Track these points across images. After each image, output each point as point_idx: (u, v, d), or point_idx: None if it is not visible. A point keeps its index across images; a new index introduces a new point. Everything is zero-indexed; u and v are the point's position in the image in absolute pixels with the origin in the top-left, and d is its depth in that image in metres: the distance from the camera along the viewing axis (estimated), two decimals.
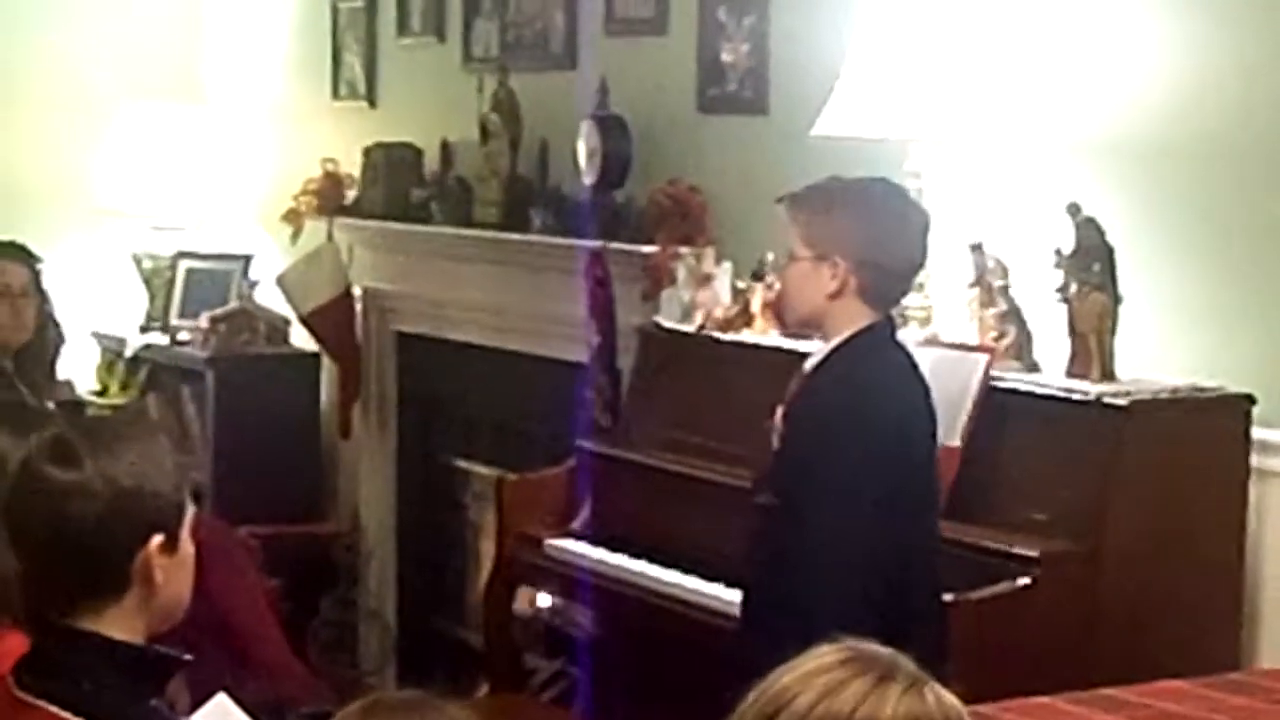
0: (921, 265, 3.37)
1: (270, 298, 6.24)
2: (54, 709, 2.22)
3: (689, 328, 4.38)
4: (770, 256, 4.24)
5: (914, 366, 3.28)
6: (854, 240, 3.23)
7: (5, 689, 2.27)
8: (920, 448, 3.22)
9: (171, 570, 2.31)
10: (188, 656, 2.34)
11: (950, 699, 1.66)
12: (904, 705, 1.63)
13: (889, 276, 3.24)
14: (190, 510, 2.35)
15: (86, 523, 2.23)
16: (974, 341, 3.76)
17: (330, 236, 5.93)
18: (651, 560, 4.03)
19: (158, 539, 2.27)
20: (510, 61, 5.36)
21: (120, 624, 2.28)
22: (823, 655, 1.66)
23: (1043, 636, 3.31)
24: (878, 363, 3.25)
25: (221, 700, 2.64)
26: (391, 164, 5.73)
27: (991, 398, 3.60)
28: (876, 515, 3.11)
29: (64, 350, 5.16)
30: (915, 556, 3.19)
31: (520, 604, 4.50)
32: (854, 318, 3.23)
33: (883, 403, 3.20)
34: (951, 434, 3.59)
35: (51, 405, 4.94)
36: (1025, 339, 3.72)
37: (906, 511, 3.17)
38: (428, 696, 2.16)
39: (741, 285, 4.31)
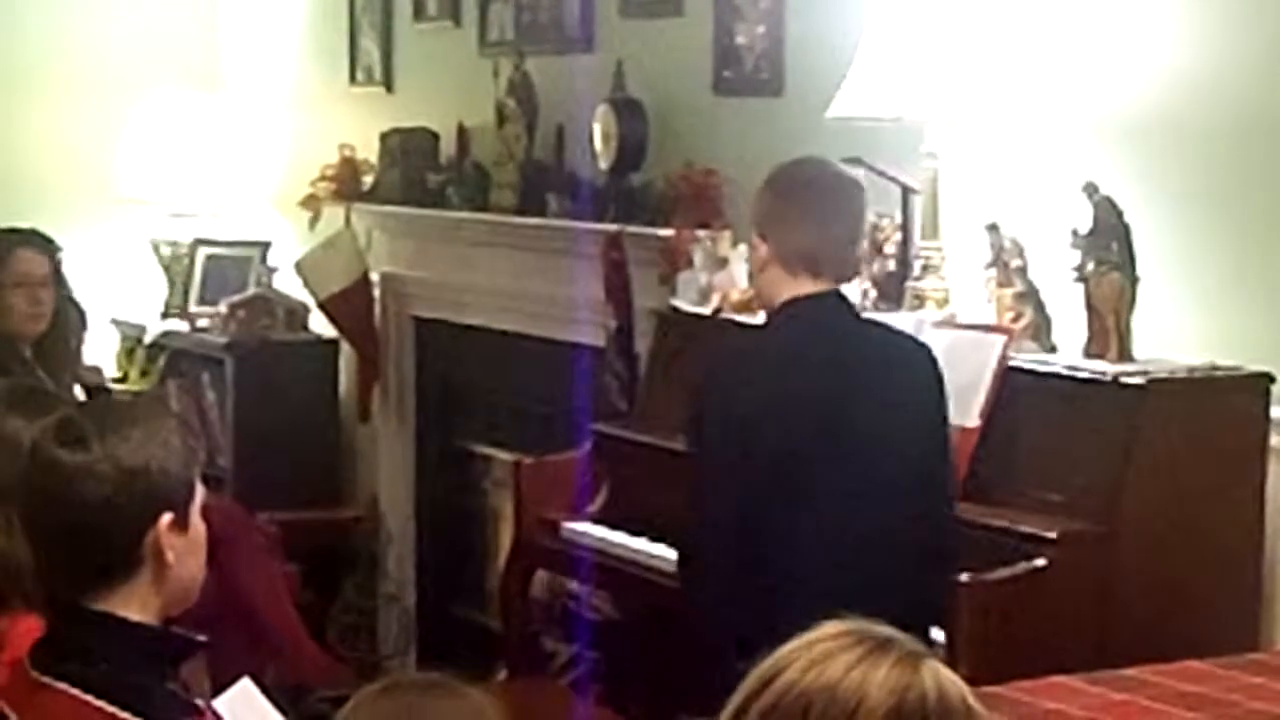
0: (843, 237, 3.38)
1: (289, 284, 6.25)
2: (71, 690, 2.23)
3: (706, 310, 4.37)
4: None
5: (845, 338, 3.34)
6: (761, 213, 3.39)
7: (22, 671, 2.28)
8: (796, 414, 3.26)
9: (183, 549, 2.31)
10: (203, 639, 2.35)
11: (948, 675, 1.63)
12: (894, 676, 1.60)
13: (801, 245, 3.31)
14: (200, 490, 2.36)
15: (95, 503, 2.24)
16: (991, 322, 3.75)
17: (348, 222, 5.94)
18: (669, 543, 4.03)
19: (167, 517, 2.28)
20: (526, 45, 5.36)
21: (134, 605, 2.28)
22: (825, 628, 1.66)
23: (1059, 617, 3.30)
24: (784, 330, 3.35)
25: (246, 685, 2.65)
26: (408, 149, 5.73)
27: (1009, 378, 3.59)
28: (733, 480, 3.27)
29: (85, 335, 5.16)
30: (796, 523, 3.23)
31: (538, 588, 4.51)
32: (779, 289, 3.34)
33: (743, 369, 3.38)
34: (969, 415, 3.59)
35: (79, 389, 4.96)
36: (1042, 319, 3.71)
37: (771, 484, 3.23)
38: (445, 679, 2.17)
39: None
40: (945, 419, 3.34)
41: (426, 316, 5.92)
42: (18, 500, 2.35)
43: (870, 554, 3.21)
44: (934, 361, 3.36)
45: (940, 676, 1.63)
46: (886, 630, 1.65)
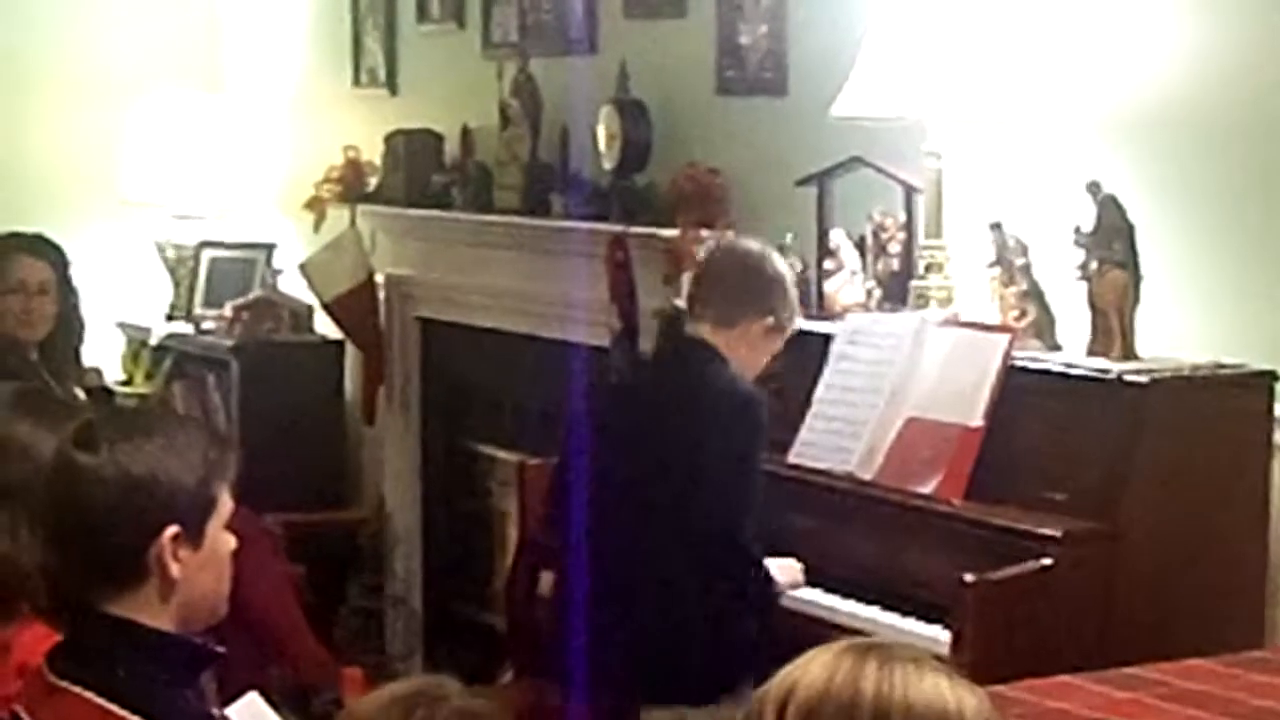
0: (717, 293, 3.89)
1: (294, 286, 6.25)
2: (89, 695, 2.22)
3: None
4: (790, 238, 4.24)
5: (662, 368, 4.06)
6: None
7: (40, 675, 2.28)
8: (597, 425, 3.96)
9: (195, 566, 2.29)
10: (220, 649, 2.34)
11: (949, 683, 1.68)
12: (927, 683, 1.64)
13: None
14: (225, 507, 2.34)
15: (97, 508, 2.24)
16: (995, 321, 3.75)
17: (352, 224, 5.94)
18: None
19: (172, 530, 2.26)
20: (530, 47, 5.36)
21: (145, 614, 2.27)
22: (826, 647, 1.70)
23: (1064, 616, 3.30)
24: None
25: (254, 699, 2.65)
26: (412, 151, 5.73)
27: (1012, 377, 3.59)
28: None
29: (85, 337, 5.16)
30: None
31: (544, 588, 4.51)
32: None
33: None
34: (973, 414, 3.59)
35: (80, 393, 4.96)
36: (1046, 318, 3.71)
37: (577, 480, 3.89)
38: (437, 684, 2.16)
39: None
40: (733, 463, 3.70)
41: (431, 318, 5.92)
42: (34, 500, 2.36)
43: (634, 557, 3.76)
44: (740, 409, 3.72)
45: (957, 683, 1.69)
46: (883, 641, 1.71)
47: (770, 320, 3.87)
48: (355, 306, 5.95)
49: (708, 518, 3.71)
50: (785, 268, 3.94)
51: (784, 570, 3.78)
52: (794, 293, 3.92)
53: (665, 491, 3.74)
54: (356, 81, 6.26)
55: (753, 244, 3.98)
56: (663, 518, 3.74)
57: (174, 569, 2.26)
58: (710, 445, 3.71)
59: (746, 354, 3.86)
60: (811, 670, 1.66)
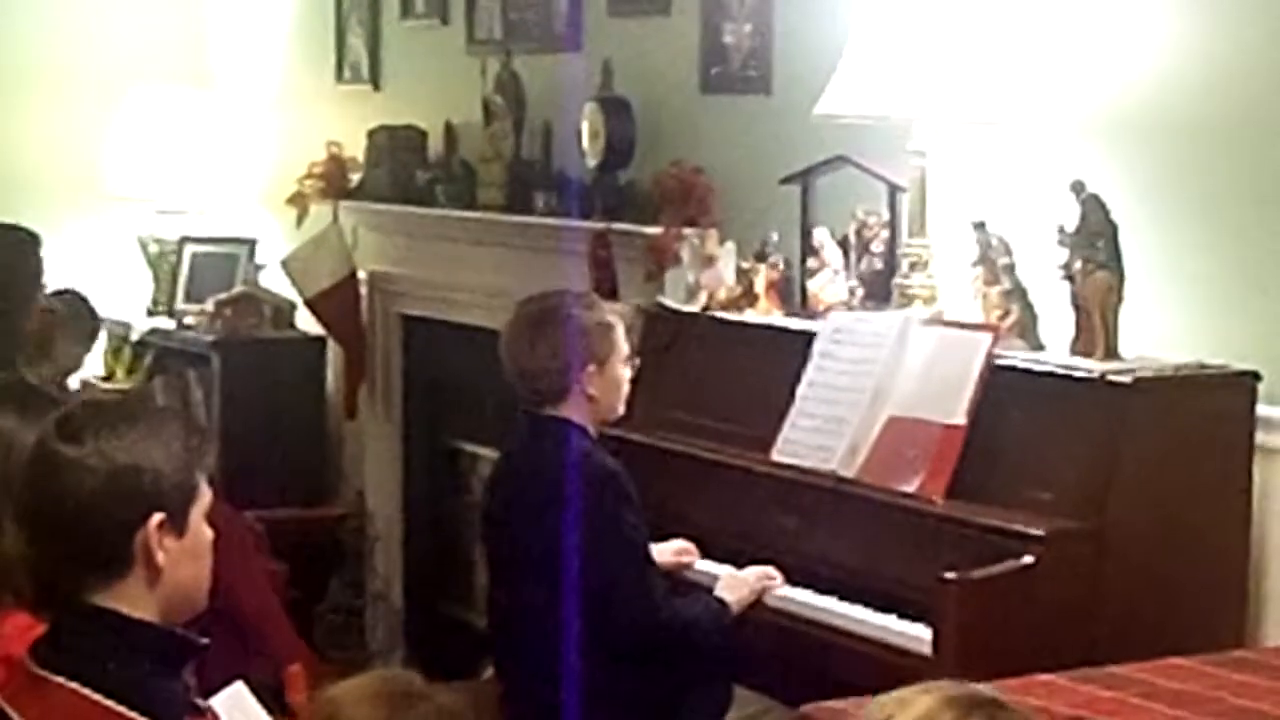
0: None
1: (276, 281, 6.25)
2: (74, 685, 2.22)
3: (693, 308, 4.37)
4: (775, 237, 4.24)
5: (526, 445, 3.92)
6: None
7: (24, 667, 2.28)
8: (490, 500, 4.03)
9: (179, 555, 2.29)
10: (205, 641, 2.34)
11: None
12: None
13: None
14: (206, 497, 2.34)
15: (82, 497, 2.24)
16: (978, 320, 3.75)
17: (335, 220, 5.94)
18: (656, 540, 4.03)
19: (157, 518, 2.27)
20: (513, 43, 5.36)
21: (129, 604, 2.27)
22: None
23: (1046, 615, 3.30)
24: None
25: (239, 689, 2.65)
26: (395, 147, 5.73)
27: (995, 376, 3.59)
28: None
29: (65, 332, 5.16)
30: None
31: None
32: None
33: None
34: (955, 413, 3.59)
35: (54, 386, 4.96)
36: (1029, 317, 3.71)
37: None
38: (405, 680, 2.16)
39: (745, 265, 4.31)
40: (600, 529, 3.69)
41: (414, 314, 5.92)
42: (17, 491, 2.35)
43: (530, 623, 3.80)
44: (598, 484, 3.72)
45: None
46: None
47: (593, 367, 3.83)
48: (337, 302, 5.95)
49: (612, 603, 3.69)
50: (579, 311, 3.89)
51: (734, 585, 3.75)
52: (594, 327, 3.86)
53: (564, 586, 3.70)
54: (340, 77, 6.25)
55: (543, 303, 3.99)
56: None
57: (159, 557, 2.27)
58: (585, 529, 3.68)
59: (600, 399, 3.84)
60: (912, 710, 1.63)
